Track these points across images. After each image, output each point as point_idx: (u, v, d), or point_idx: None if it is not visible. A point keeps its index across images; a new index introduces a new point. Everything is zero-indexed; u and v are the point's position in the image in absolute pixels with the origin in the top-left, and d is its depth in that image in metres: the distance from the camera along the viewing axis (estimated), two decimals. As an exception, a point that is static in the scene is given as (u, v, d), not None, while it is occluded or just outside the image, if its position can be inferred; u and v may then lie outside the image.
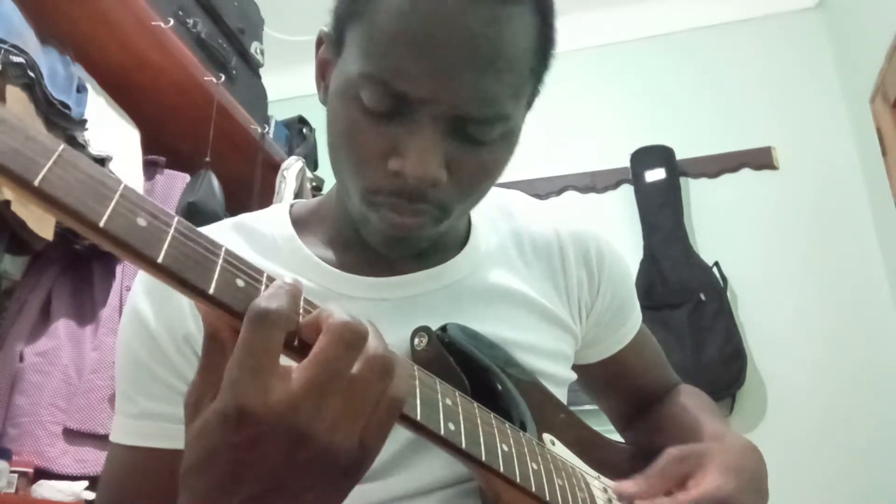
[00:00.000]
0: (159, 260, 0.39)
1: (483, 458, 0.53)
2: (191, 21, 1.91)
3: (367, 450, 0.43)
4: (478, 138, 0.62)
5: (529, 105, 0.70)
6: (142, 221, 0.39)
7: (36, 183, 0.35)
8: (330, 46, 0.68)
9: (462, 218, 0.72)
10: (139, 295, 0.70)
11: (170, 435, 0.66)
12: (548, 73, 0.68)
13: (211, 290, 0.40)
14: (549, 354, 0.76)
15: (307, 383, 0.40)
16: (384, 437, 0.44)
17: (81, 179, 0.37)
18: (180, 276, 0.39)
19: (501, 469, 0.55)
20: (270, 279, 0.44)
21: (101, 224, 0.37)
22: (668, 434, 0.82)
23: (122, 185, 0.39)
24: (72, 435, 1.49)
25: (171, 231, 0.40)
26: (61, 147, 0.37)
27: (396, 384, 0.44)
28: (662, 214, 2.73)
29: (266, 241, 0.73)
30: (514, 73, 0.61)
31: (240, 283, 0.42)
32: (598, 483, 0.70)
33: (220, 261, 0.42)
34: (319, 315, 0.44)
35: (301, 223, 0.77)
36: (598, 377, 0.91)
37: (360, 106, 0.61)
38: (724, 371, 2.49)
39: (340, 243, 0.75)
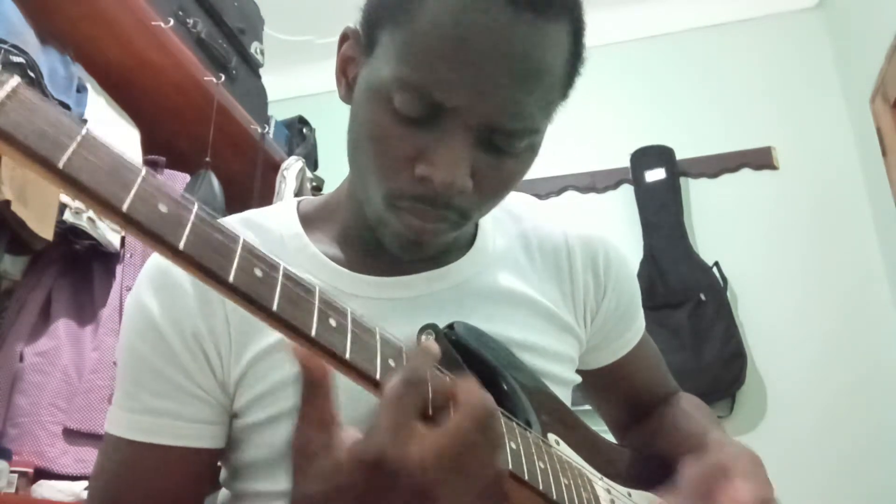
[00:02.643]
0: (180, 246, 0.39)
1: None
2: (191, 21, 1.91)
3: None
4: (504, 149, 0.63)
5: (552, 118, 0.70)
6: (163, 207, 0.39)
7: (60, 165, 0.35)
8: (358, 45, 0.68)
9: (474, 223, 0.73)
10: (145, 291, 0.69)
11: (172, 432, 0.66)
12: (573, 89, 0.68)
13: (230, 279, 0.40)
14: (553, 356, 0.76)
15: (441, 450, 0.45)
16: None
17: (105, 163, 0.37)
18: (200, 262, 0.39)
19: (509, 466, 0.55)
20: (287, 272, 0.45)
21: (124, 209, 0.37)
22: (672, 440, 0.82)
23: (144, 170, 0.39)
24: (72, 435, 1.48)
25: (192, 218, 0.40)
26: (85, 130, 0.37)
27: (504, 457, 0.49)
28: (662, 214, 2.73)
29: (273, 238, 0.73)
30: (547, 88, 0.62)
31: (258, 272, 0.42)
32: (601, 484, 0.70)
33: (239, 249, 0.42)
34: (455, 387, 0.48)
35: (308, 221, 0.77)
36: (599, 382, 0.91)
37: (391, 110, 0.61)
38: (724, 371, 2.49)
39: (348, 242, 0.75)
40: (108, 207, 0.37)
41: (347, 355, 0.45)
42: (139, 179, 0.38)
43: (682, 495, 0.66)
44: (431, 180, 0.60)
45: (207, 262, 0.40)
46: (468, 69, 0.58)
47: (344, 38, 0.71)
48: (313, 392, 0.46)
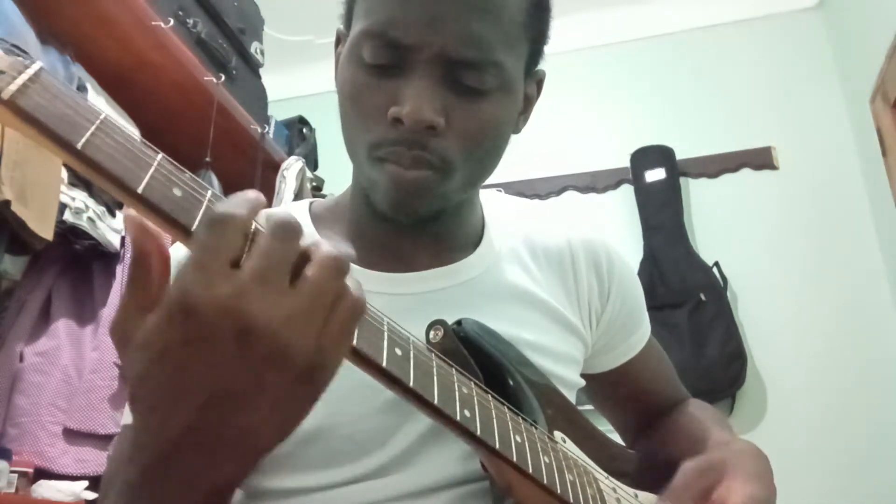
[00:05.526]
0: (193, 229, 0.40)
1: (497, 447, 0.54)
2: (191, 21, 1.91)
3: (325, 353, 0.42)
4: (473, 86, 0.65)
5: (529, 70, 0.72)
6: (177, 191, 0.40)
7: (79, 146, 0.36)
8: (342, 36, 0.73)
9: (467, 185, 0.71)
10: None
11: None
12: (546, 41, 0.72)
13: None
14: (558, 357, 0.76)
15: (251, 272, 0.39)
16: (345, 342, 0.44)
17: (121, 147, 0.39)
18: None
19: (514, 459, 0.55)
20: None
21: (140, 190, 0.38)
22: (677, 444, 0.82)
23: (159, 156, 0.40)
24: (72, 435, 1.48)
25: (205, 202, 0.41)
26: (103, 115, 0.39)
27: (354, 288, 0.43)
28: (662, 214, 2.73)
29: None
30: (501, 19, 0.64)
31: None
32: (607, 483, 0.70)
33: (251, 235, 0.43)
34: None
35: (320, 220, 0.78)
36: (606, 388, 0.91)
37: (362, 64, 0.65)
38: (724, 371, 2.48)
39: (358, 239, 0.75)
40: (124, 189, 0.38)
41: None
42: (155, 163, 0.40)
43: (677, 493, 0.66)
44: (401, 117, 0.62)
45: None
46: (416, 4, 0.62)
47: (337, 40, 0.75)
48: (140, 268, 0.42)
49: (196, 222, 0.40)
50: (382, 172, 0.66)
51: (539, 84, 0.77)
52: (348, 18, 0.70)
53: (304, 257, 0.42)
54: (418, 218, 0.69)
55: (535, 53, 0.72)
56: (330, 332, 0.42)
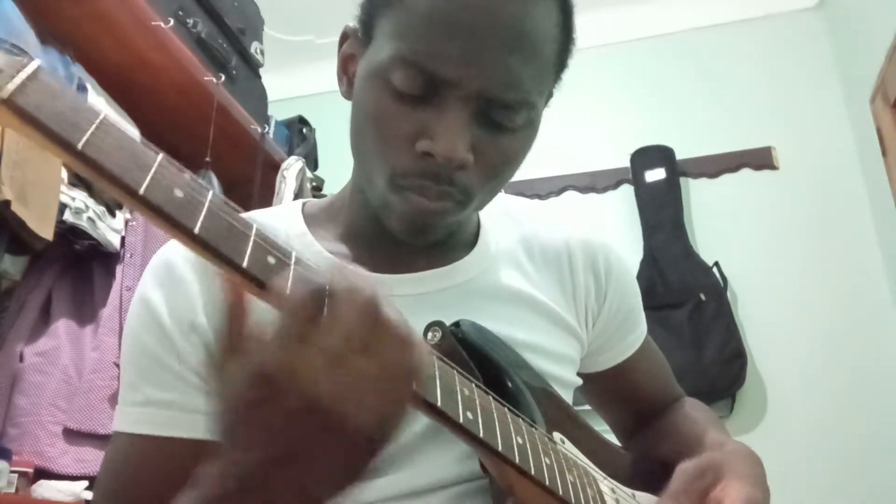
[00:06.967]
0: (196, 230, 0.39)
1: (499, 448, 0.54)
2: (191, 21, 1.91)
3: (385, 425, 0.43)
4: (503, 124, 0.64)
5: (547, 101, 0.72)
6: (179, 192, 0.39)
7: (79, 146, 0.36)
8: (356, 39, 0.70)
9: (478, 209, 0.73)
10: (149, 284, 0.70)
11: (175, 423, 0.65)
12: (565, 72, 0.70)
13: (244, 264, 0.41)
14: (555, 357, 0.76)
15: (328, 349, 0.41)
16: (400, 415, 0.44)
17: (122, 147, 0.38)
18: (215, 247, 0.40)
19: (517, 460, 0.55)
20: (299, 260, 0.45)
21: (141, 191, 0.37)
22: (673, 444, 0.82)
23: (160, 156, 0.40)
24: (72, 435, 1.48)
25: (207, 203, 0.41)
26: (103, 114, 0.38)
27: (417, 360, 0.44)
28: (662, 214, 2.73)
29: (278, 237, 0.73)
30: (539, 60, 0.63)
31: (271, 260, 0.43)
32: (606, 483, 0.70)
33: (252, 236, 0.43)
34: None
35: (313, 220, 0.77)
36: (602, 387, 0.91)
37: (391, 89, 0.63)
38: (724, 371, 2.48)
39: (353, 240, 0.75)
40: (125, 190, 0.37)
41: None
42: (156, 163, 0.39)
43: (676, 495, 0.66)
44: (433, 154, 0.61)
45: (221, 247, 0.40)
46: (461, 40, 0.60)
47: (344, 37, 0.73)
48: (234, 313, 0.43)
49: (198, 225, 0.39)
50: (404, 200, 0.65)
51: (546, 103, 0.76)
52: (368, 23, 0.67)
53: (377, 329, 0.42)
54: (429, 243, 0.69)
55: (556, 82, 0.71)
56: (391, 403, 0.43)
